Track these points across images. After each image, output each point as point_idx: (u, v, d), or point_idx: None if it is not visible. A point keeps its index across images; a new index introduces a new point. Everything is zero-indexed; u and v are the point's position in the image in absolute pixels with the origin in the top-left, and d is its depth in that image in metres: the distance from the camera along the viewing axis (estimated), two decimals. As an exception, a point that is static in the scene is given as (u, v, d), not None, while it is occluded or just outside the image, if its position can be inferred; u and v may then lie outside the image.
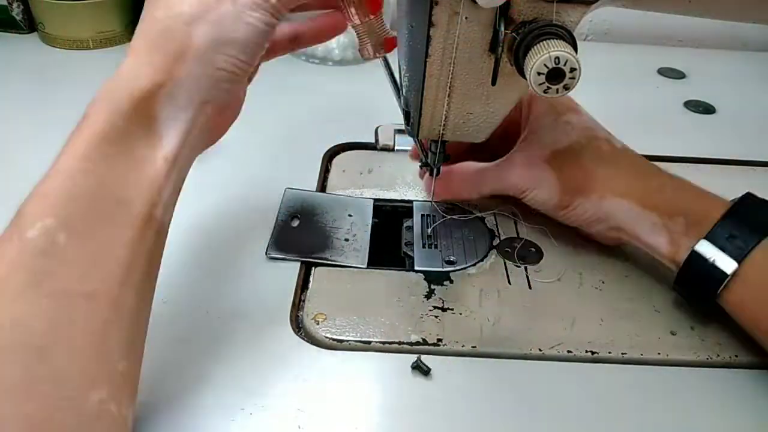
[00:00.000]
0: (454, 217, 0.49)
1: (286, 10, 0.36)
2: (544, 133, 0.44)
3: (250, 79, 0.40)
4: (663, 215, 0.40)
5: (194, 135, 0.34)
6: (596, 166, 0.43)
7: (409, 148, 0.57)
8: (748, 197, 0.40)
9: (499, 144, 0.47)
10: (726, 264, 0.37)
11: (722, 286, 0.37)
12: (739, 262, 0.37)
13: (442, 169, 0.46)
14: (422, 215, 0.49)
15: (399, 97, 0.43)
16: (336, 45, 0.72)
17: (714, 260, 0.37)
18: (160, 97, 0.32)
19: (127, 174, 0.31)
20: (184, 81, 0.32)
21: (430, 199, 0.50)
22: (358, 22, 0.39)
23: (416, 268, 0.45)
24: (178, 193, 0.35)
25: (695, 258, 0.38)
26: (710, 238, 0.38)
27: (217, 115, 0.35)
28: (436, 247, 0.46)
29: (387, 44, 0.40)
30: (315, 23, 0.42)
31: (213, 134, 0.39)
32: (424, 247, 0.46)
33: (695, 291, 0.39)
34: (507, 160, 0.45)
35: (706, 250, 0.38)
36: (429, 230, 0.48)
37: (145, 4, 0.34)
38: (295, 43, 0.42)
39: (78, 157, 0.30)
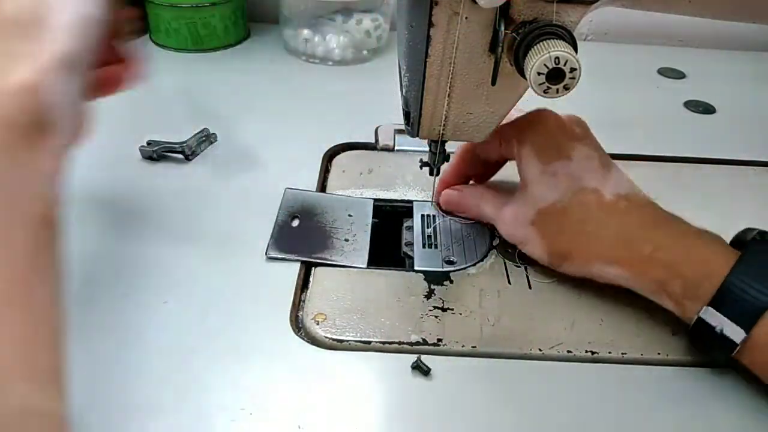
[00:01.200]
0: (454, 219, 0.49)
1: None
2: (531, 187, 0.42)
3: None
4: (658, 281, 0.38)
5: (77, 114, 0.34)
6: (581, 229, 0.40)
7: (409, 148, 0.57)
8: (752, 244, 0.37)
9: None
10: (735, 333, 0.35)
11: (734, 352, 0.35)
12: (747, 330, 0.34)
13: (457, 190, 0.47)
14: (422, 215, 0.49)
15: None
16: (336, 45, 0.72)
17: (722, 329, 0.35)
18: (44, 84, 0.30)
19: (18, 172, 0.29)
20: (65, 58, 0.31)
21: (430, 199, 0.50)
22: None
23: (416, 268, 0.45)
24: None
25: (702, 325, 0.36)
26: (714, 303, 0.35)
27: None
28: (436, 247, 0.46)
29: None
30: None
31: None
32: (424, 247, 0.46)
33: (708, 354, 0.38)
34: (502, 210, 0.44)
35: (712, 318, 0.35)
36: (429, 230, 0.48)
37: None
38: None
39: None
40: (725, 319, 0.35)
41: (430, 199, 0.50)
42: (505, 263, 0.45)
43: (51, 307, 0.30)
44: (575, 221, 0.41)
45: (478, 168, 0.49)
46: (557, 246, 0.41)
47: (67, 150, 0.33)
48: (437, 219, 0.49)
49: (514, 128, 0.44)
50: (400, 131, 0.58)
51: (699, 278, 0.36)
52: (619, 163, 0.43)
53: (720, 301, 0.35)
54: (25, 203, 0.29)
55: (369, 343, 0.39)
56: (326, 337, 0.39)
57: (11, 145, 0.29)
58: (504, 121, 0.42)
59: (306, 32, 0.72)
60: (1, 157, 0.29)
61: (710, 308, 0.36)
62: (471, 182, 0.50)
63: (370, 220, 0.49)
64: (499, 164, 0.48)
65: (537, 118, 0.43)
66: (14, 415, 0.27)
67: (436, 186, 0.49)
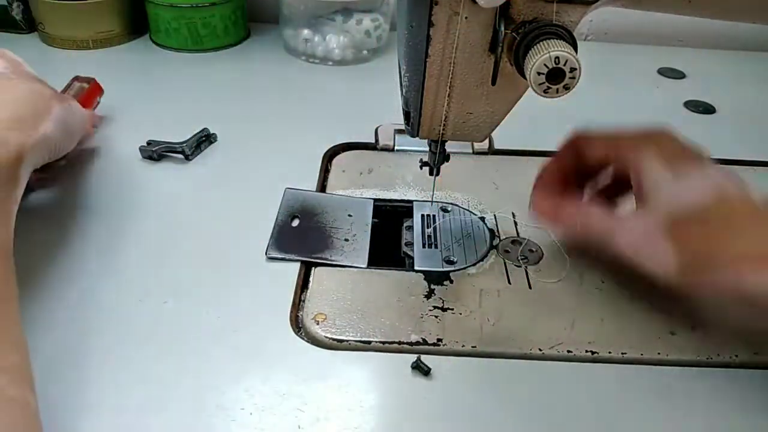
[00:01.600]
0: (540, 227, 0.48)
1: None
2: (659, 194, 0.37)
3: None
4: None
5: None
6: (730, 235, 0.34)
7: (409, 148, 0.57)
8: None
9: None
10: None
11: None
12: None
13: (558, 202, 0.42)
14: (422, 215, 0.49)
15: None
16: (336, 45, 0.72)
17: None
18: (26, 158, 0.39)
19: None
20: (49, 137, 0.43)
21: (430, 199, 0.50)
22: None
23: (416, 268, 0.45)
24: None
25: None
26: None
27: None
28: (436, 246, 0.46)
29: None
30: None
31: None
32: (424, 246, 0.46)
33: None
34: (624, 220, 0.39)
35: None
36: (429, 230, 0.48)
37: None
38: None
39: None
40: None
41: (429, 199, 0.50)
42: (505, 263, 0.45)
43: (15, 315, 0.34)
44: (720, 226, 0.35)
45: (575, 169, 0.44)
46: (697, 255, 0.35)
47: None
48: (437, 219, 0.49)
49: (632, 139, 0.40)
50: (400, 131, 0.58)
51: None
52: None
53: None
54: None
55: (369, 343, 0.39)
56: (326, 337, 0.39)
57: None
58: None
59: (306, 32, 0.72)
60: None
61: None
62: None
63: (370, 220, 0.49)
64: (595, 173, 0.44)
65: (659, 131, 0.41)
66: None
67: (534, 182, 0.44)
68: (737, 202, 0.35)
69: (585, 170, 0.44)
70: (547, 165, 0.44)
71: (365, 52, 0.74)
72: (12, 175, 0.38)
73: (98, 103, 0.59)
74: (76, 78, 0.58)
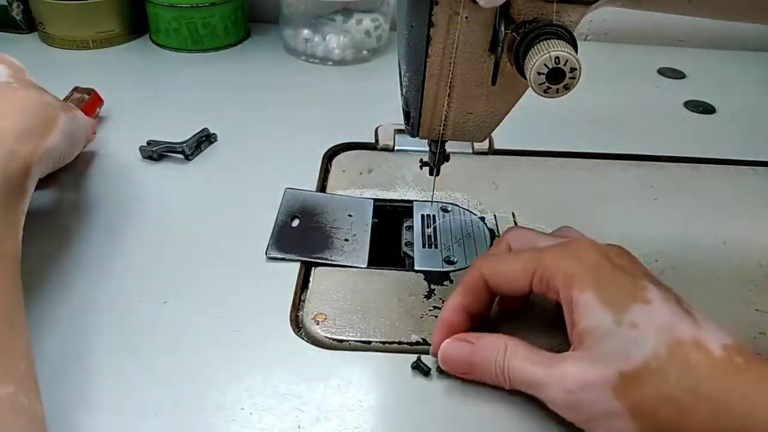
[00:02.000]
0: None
1: None
2: (603, 343, 0.31)
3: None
4: None
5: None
6: (693, 399, 0.29)
7: (409, 148, 0.57)
8: None
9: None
10: None
11: None
12: None
13: (465, 340, 0.36)
14: (422, 215, 0.49)
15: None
16: (336, 45, 0.72)
17: None
18: (32, 171, 0.40)
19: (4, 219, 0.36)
20: (54, 149, 0.43)
21: (430, 199, 0.50)
22: None
23: (416, 268, 0.45)
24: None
25: None
26: None
27: None
28: (436, 246, 0.46)
29: None
30: None
31: None
32: (424, 246, 0.46)
33: None
34: (555, 369, 0.32)
35: None
36: (429, 230, 0.48)
37: None
38: None
39: None
40: None
41: (429, 199, 0.50)
42: (505, 263, 0.45)
43: (23, 325, 0.34)
44: (679, 389, 0.29)
45: (488, 303, 0.38)
46: (659, 425, 0.29)
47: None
48: (437, 219, 0.49)
49: (558, 264, 0.33)
50: (400, 131, 0.58)
51: None
52: (618, 163, 0.43)
53: None
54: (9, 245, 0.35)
55: (369, 343, 0.39)
56: (326, 337, 0.39)
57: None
58: (519, 243, 0.36)
59: (306, 32, 0.72)
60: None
61: None
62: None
63: (370, 220, 0.49)
64: (522, 300, 0.39)
65: (585, 251, 0.34)
66: (5, 409, 0.29)
67: (437, 325, 0.37)
68: (692, 351, 0.30)
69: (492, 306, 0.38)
70: (449, 304, 0.37)
71: (365, 52, 0.74)
72: (20, 187, 0.38)
73: (98, 114, 0.59)
74: (76, 89, 0.58)
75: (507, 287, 0.36)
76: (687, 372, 0.29)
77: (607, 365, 0.31)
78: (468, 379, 0.36)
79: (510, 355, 0.34)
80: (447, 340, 0.36)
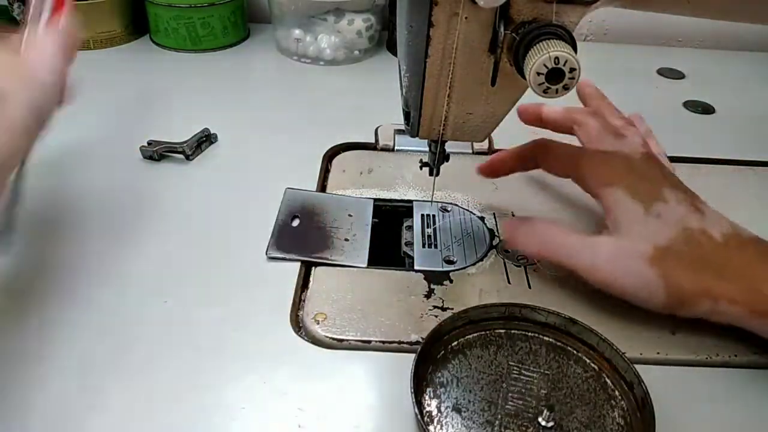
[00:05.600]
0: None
1: None
2: (635, 228, 0.39)
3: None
4: None
5: None
6: (703, 270, 0.38)
7: (409, 148, 0.57)
8: None
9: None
10: None
11: None
12: None
13: (522, 220, 0.44)
14: (422, 215, 0.49)
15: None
16: (327, 45, 0.72)
17: None
18: None
19: None
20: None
21: (430, 199, 0.50)
22: None
23: (416, 267, 0.45)
24: None
25: None
26: None
27: None
28: (436, 246, 0.47)
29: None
30: None
31: None
32: (424, 246, 0.47)
33: None
34: (600, 245, 0.40)
35: None
36: (429, 230, 0.48)
37: None
38: None
39: None
40: None
41: (429, 199, 0.50)
42: (504, 263, 0.45)
43: None
44: (693, 261, 0.38)
45: (529, 168, 0.48)
46: (681, 286, 0.38)
47: None
48: (437, 219, 0.49)
49: (593, 168, 0.43)
50: (400, 131, 0.58)
51: None
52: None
53: None
54: None
55: (369, 342, 0.39)
56: (326, 337, 0.39)
57: None
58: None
59: (297, 32, 0.72)
60: None
61: None
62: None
63: (370, 220, 0.49)
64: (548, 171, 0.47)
65: (617, 160, 0.42)
66: None
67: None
68: (701, 236, 0.39)
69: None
70: (501, 154, 0.48)
71: (357, 52, 0.74)
72: None
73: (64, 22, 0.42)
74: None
75: (549, 167, 0.46)
76: (697, 250, 0.39)
77: (642, 241, 0.39)
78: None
79: (562, 233, 0.42)
80: (511, 221, 0.46)
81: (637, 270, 0.39)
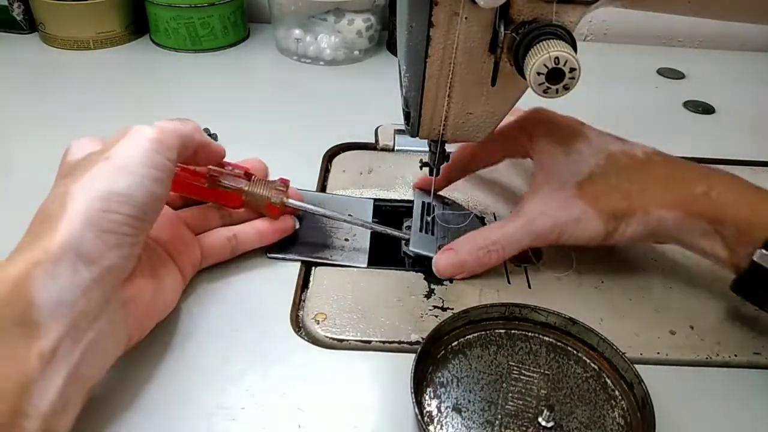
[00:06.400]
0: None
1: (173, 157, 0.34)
2: (559, 169, 0.42)
3: (184, 279, 0.40)
4: (712, 221, 0.38)
5: (91, 325, 0.29)
6: (629, 184, 0.40)
7: (409, 148, 0.57)
8: None
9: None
10: None
11: None
12: None
13: (449, 248, 0.43)
14: (423, 202, 0.49)
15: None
16: (327, 45, 0.72)
17: None
18: (36, 276, 0.27)
19: None
20: (64, 253, 0.28)
21: (430, 199, 0.50)
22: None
23: (411, 248, 0.45)
24: (75, 407, 0.29)
25: (754, 268, 0.36)
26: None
27: (125, 304, 0.32)
28: (432, 233, 0.46)
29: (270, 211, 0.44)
30: (255, 230, 0.44)
31: (127, 330, 0.33)
32: (421, 231, 0.46)
33: (755, 298, 0.39)
34: (529, 210, 0.42)
35: (765, 259, 0.36)
36: (428, 217, 0.48)
37: None
38: (233, 250, 0.43)
39: None
40: None
41: (429, 199, 0.50)
42: (504, 263, 0.45)
43: None
44: (619, 180, 0.40)
45: (463, 174, 0.50)
46: (611, 207, 0.40)
47: (87, 358, 0.29)
48: (437, 209, 0.49)
49: (519, 129, 0.44)
50: (400, 131, 0.58)
51: (753, 220, 0.37)
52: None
53: None
54: None
55: (369, 342, 0.39)
56: (326, 337, 0.39)
57: None
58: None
59: (297, 32, 0.72)
60: None
61: (764, 250, 0.36)
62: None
63: (370, 220, 0.49)
64: (484, 167, 0.50)
65: (537, 115, 0.44)
66: None
67: (433, 192, 0.48)
68: (622, 157, 0.41)
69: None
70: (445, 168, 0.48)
71: (357, 52, 0.74)
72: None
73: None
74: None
75: (486, 158, 0.48)
76: (620, 169, 0.41)
77: (566, 181, 0.41)
78: (467, 277, 0.43)
79: (488, 233, 0.43)
80: (435, 257, 0.44)
81: (568, 209, 0.40)
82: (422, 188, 0.50)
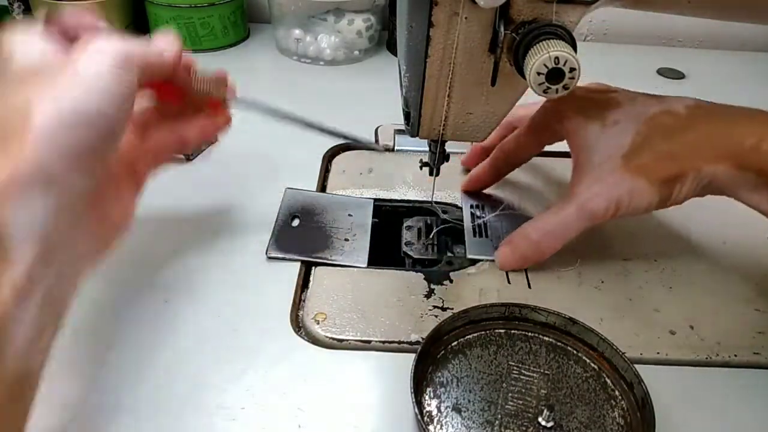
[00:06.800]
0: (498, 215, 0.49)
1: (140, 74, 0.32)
2: (599, 146, 0.40)
3: (139, 186, 0.38)
4: (762, 174, 0.37)
5: (63, 247, 0.28)
6: (674, 146, 0.39)
7: (409, 148, 0.57)
8: None
9: None
10: None
11: None
12: None
13: (508, 242, 0.44)
14: (471, 204, 0.50)
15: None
16: (327, 45, 0.72)
17: None
18: (4, 202, 0.25)
19: None
20: (32, 177, 0.26)
21: (430, 199, 0.50)
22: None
23: (468, 256, 0.45)
24: (50, 334, 0.28)
25: None
26: None
27: (93, 218, 0.32)
28: (487, 236, 0.47)
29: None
30: (199, 126, 0.42)
31: (96, 246, 0.33)
32: (474, 236, 0.47)
33: None
34: (579, 193, 0.41)
35: None
36: (479, 221, 0.48)
37: None
38: (180, 148, 0.41)
39: None
40: None
41: (430, 199, 0.50)
42: (504, 263, 0.45)
43: None
44: (664, 143, 0.39)
45: (504, 174, 0.50)
46: (661, 173, 0.39)
47: (60, 283, 0.28)
48: (487, 212, 0.49)
49: (548, 114, 0.44)
50: (400, 131, 0.58)
51: None
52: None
53: None
54: None
55: (369, 342, 0.39)
56: (326, 337, 0.39)
57: None
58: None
59: (297, 32, 0.72)
60: None
61: None
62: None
63: (370, 220, 0.49)
64: (524, 162, 0.49)
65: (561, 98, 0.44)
66: None
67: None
68: (665, 117, 0.40)
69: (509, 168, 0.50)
70: (478, 171, 0.49)
71: (357, 52, 0.74)
72: None
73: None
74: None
75: (523, 154, 0.48)
76: (664, 132, 0.39)
77: (610, 157, 0.39)
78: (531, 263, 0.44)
79: (543, 223, 0.42)
80: (497, 254, 0.44)
81: (618, 185, 0.39)
82: (470, 189, 0.51)
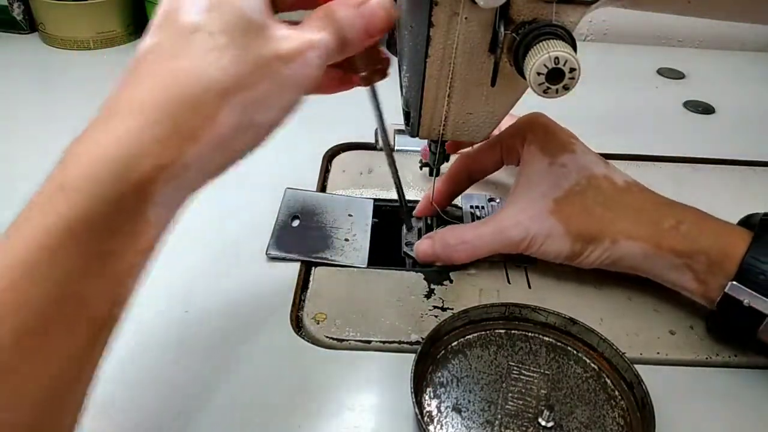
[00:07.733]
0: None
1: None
2: (540, 181, 0.42)
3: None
4: (682, 255, 0.38)
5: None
6: (603, 209, 0.40)
7: (409, 148, 0.57)
8: (764, 223, 0.38)
9: None
10: (763, 305, 0.35)
11: (762, 326, 0.36)
12: None
13: (430, 236, 0.44)
14: (470, 206, 0.50)
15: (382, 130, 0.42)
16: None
17: (749, 303, 0.36)
18: (160, 183, 0.26)
19: (95, 270, 0.25)
20: (193, 165, 0.27)
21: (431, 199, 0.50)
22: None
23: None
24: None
25: (728, 301, 0.36)
26: (739, 278, 0.36)
27: None
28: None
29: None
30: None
31: None
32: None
33: (732, 332, 0.39)
34: (504, 217, 0.42)
35: (738, 292, 0.36)
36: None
37: (155, 28, 0.28)
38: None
39: (38, 248, 0.23)
40: (751, 293, 0.36)
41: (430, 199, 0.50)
42: (504, 263, 0.45)
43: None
44: (595, 204, 0.41)
45: (466, 185, 0.49)
46: (581, 229, 0.40)
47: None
48: (487, 213, 0.50)
49: (514, 134, 0.44)
50: (400, 131, 0.58)
51: (721, 254, 0.37)
52: (619, 163, 0.43)
53: (744, 276, 0.36)
54: (93, 304, 0.26)
55: (369, 342, 0.39)
56: (326, 337, 0.39)
57: (107, 234, 0.25)
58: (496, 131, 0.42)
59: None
60: (91, 246, 0.24)
61: (735, 283, 0.36)
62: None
63: (370, 220, 0.49)
64: (485, 175, 0.48)
65: (533, 120, 0.44)
66: None
67: (432, 195, 0.48)
68: (603, 181, 0.41)
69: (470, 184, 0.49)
70: (439, 187, 0.47)
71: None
72: (131, 215, 0.26)
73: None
74: None
75: (483, 165, 0.47)
76: (597, 193, 0.41)
77: (544, 193, 0.41)
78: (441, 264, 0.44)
79: (463, 231, 0.44)
80: (417, 242, 0.45)
81: (540, 223, 0.41)
82: (424, 214, 0.49)
